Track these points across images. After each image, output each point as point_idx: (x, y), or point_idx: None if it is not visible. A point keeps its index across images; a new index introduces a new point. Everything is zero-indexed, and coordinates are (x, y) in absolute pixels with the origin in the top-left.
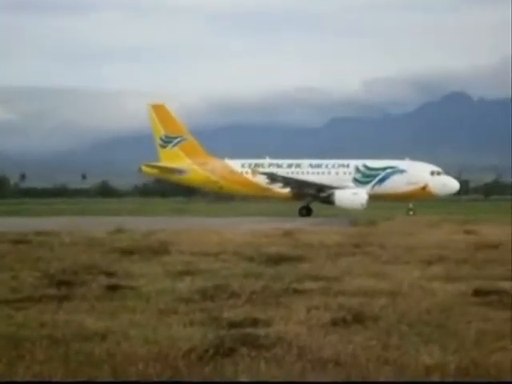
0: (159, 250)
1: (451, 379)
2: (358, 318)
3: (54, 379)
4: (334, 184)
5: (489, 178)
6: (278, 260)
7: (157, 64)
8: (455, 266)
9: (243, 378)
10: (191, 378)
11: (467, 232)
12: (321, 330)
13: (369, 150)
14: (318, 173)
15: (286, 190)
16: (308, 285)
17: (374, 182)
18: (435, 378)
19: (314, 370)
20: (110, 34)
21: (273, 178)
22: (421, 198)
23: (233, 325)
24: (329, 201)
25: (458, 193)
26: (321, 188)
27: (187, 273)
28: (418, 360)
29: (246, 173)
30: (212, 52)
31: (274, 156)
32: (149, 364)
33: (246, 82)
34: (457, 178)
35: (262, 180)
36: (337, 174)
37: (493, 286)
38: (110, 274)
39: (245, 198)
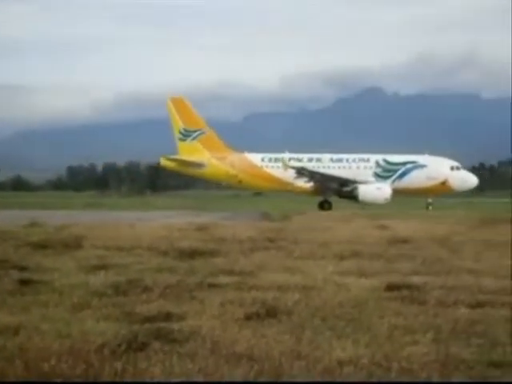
0: (73, 244)
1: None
2: (272, 313)
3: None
4: (357, 178)
5: None
6: (191, 254)
7: (68, 58)
8: (368, 260)
9: (156, 373)
10: (103, 372)
11: (380, 227)
12: (234, 324)
13: (287, 144)
14: (339, 167)
15: (307, 185)
16: (222, 279)
17: (394, 177)
18: (349, 371)
19: (227, 364)
20: (19, 27)
21: (302, 172)
22: (440, 193)
23: (146, 319)
24: (351, 195)
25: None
26: (345, 182)
27: (101, 267)
28: (331, 354)
29: (266, 167)
30: (123, 45)
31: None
32: (61, 359)
33: (161, 76)
34: None
35: (281, 174)
36: (358, 168)
37: (405, 280)
38: (22, 268)
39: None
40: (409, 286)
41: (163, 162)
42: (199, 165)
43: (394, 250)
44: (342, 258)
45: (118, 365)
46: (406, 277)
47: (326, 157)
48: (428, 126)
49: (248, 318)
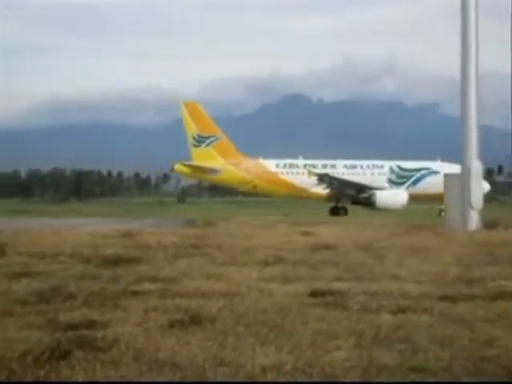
0: None
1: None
2: (196, 320)
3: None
4: (374, 185)
5: None
6: (116, 261)
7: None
8: (292, 267)
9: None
10: (25, 380)
11: (304, 233)
12: (158, 331)
13: None
14: (354, 174)
15: (323, 191)
16: (146, 286)
17: (408, 183)
18: (272, 378)
19: (150, 371)
20: None
21: (324, 178)
22: None
23: (69, 327)
24: (368, 202)
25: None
26: (363, 189)
27: (24, 274)
28: (254, 360)
29: (281, 173)
30: (48, 50)
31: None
32: None
33: (85, 82)
34: None
35: (296, 180)
36: (372, 174)
37: (328, 286)
38: None
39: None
40: (332, 292)
41: (177, 167)
42: (214, 171)
43: (318, 256)
44: (266, 264)
45: (41, 373)
46: (330, 283)
47: (340, 163)
48: (351, 132)
49: (171, 325)
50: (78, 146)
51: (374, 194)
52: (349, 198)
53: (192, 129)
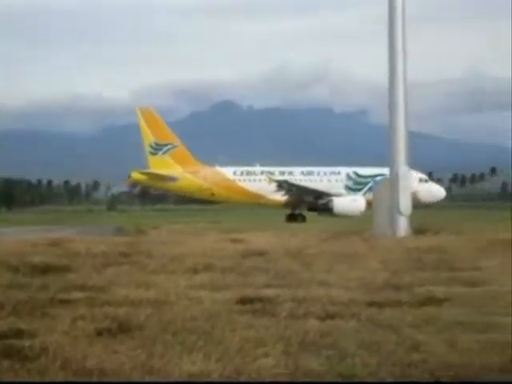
0: None
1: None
2: (124, 328)
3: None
4: (331, 191)
5: None
6: (44, 270)
7: None
8: (221, 274)
9: None
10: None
11: (234, 241)
12: (85, 340)
13: (139, 157)
14: (311, 180)
15: (281, 198)
16: (74, 295)
17: (365, 190)
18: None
19: (77, 379)
20: None
21: (283, 185)
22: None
23: None
24: (326, 208)
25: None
26: (320, 195)
27: None
28: (182, 368)
29: (239, 180)
30: None
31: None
32: None
33: (18, 89)
34: None
35: (254, 187)
36: (329, 181)
37: (257, 293)
38: None
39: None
40: (261, 299)
41: (134, 175)
42: (172, 178)
43: (247, 263)
44: (195, 271)
45: None
46: (259, 290)
47: (297, 170)
48: (281, 139)
49: (99, 333)
50: (6, 154)
51: (331, 200)
52: (306, 204)
53: (148, 136)
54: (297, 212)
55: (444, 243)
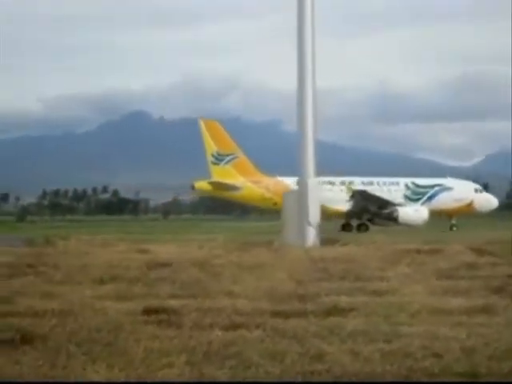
0: None
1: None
2: (27, 339)
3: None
4: (395, 201)
5: (168, 197)
6: None
7: None
8: (127, 284)
9: None
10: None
11: (141, 251)
12: None
13: (51, 168)
14: (372, 190)
15: (342, 207)
16: None
17: (424, 199)
18: None
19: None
20: None
21: (362, 195)
22: (465, 214)
23: None
24: (390, 218)
25: (145, 212)
26: (385, 205)
27: None
28: (84, 378)
29: None
30: None
31: None
32: None
33: None
34: (135, 197)
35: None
36: (389, 191)
37: (162, 304)
38: None
39: None
40: (166, 310)
41: (197, 185)
42: (235, 188)
43: (153, 274)
44: (101, 282)
45: None
46: (164, 300)
47: (357, 180)
48: (193, 149)
49: (1, 344)
50: None
51: (396, 210)
52: (370, 214)
53: (211, 147)
54: (361, 222)
55: (351, 253)
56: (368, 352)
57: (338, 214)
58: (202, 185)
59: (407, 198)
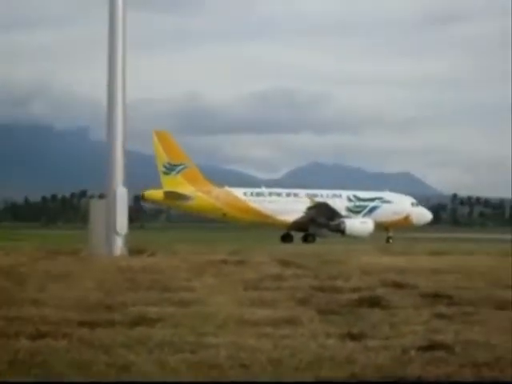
0: None
1: None
2: None
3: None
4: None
5: None
6: None
7: None
8: None
9: None
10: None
11: None
12: None
13: None
14: None
15: (288, 218)
16: None
17: (364, 212)
18: None
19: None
20: None
21: (322, 207)
22: (402, 227)
23: None
24: (338, 229)
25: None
26: (333, 216)
27: None
28: None
29: (249, 201)
30: None
31: None
32: None
33: None
34: None
35: (263, 208)
36: (334, 203)
37: None
38: None
39: None
40: None
41: (147, 194)
42: (187, 198)
43: None
44: None
45: None
46: None
47: (302, 192)
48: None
49: None
50: None
51: (343, 222)
52: (318, 225)
53: (162, 157)
54: (309, 233)
55: (159, 263)
56: (174, 362)
57: (282, 225)
58: (153, 194)
59: (349, 210)
